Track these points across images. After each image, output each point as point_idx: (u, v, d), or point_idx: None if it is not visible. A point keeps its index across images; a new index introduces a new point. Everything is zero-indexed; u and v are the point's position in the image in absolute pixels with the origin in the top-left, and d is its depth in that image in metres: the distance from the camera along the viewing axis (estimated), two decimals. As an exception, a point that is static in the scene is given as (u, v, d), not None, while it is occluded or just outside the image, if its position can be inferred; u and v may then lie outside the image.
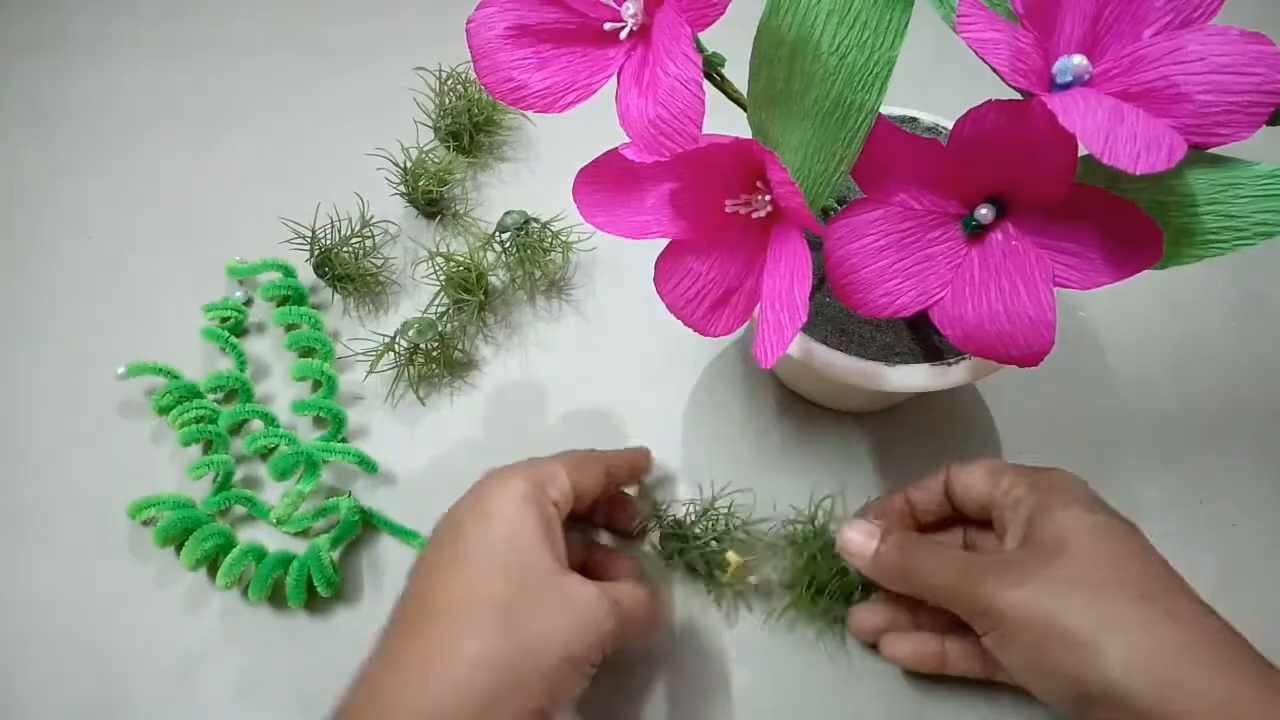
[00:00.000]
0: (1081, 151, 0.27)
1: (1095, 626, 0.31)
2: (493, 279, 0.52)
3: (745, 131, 0.33)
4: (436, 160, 0.54)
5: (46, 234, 0.55)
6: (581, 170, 0.32)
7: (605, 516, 0.44)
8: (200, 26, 0.64)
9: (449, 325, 0.50)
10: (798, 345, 0.39)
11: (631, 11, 0.30)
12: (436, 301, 0.50)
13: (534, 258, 0.51)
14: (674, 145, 0.28)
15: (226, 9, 0.65)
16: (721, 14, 0.28)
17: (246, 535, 0.45)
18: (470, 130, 0.56)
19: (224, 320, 0.50)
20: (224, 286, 0.52)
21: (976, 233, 0.32)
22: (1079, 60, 0.28)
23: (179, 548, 0.43)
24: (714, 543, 0.41)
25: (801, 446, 0.47)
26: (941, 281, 0.33)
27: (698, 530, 0.42)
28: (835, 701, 0.41)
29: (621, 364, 0.50)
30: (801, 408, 0.48)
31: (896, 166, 0.32)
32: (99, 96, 0.61)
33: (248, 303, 0.52)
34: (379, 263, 0.52)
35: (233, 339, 0.49)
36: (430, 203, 0.54)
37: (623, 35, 0.30)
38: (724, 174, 0.31)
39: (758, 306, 0.32)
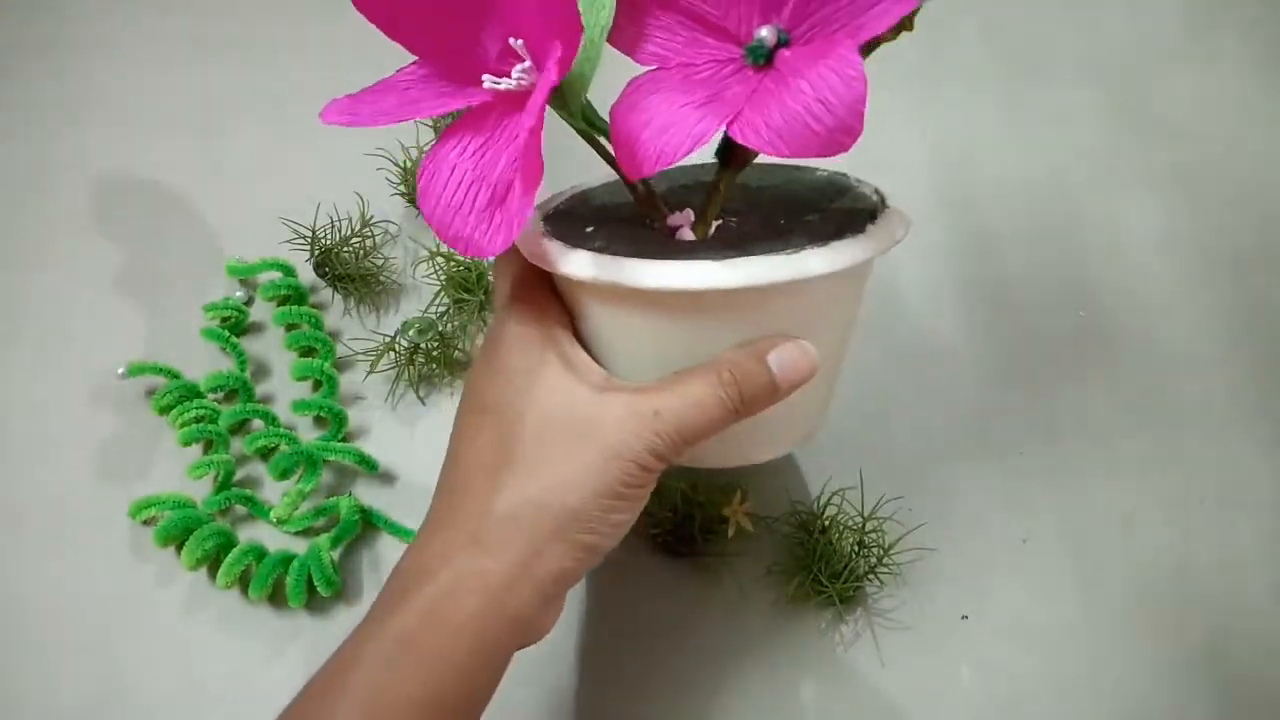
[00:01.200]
0: None
1: None
2: (493, 279, 0.52)
3: None
4: (437, 160, 0.54)
5: (46, 233, 0.55)
6: (335, 102, 0.30)
7: None
8: (201, 26, 0.64)
9: (449, 325, 0.50)
10: (590, 265, 0.30)
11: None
12: (437, 301, 0.50)
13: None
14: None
15: (227, 8, 0.65)
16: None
17: (247, 535, 0.45)
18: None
19: (224, 320, 0.50)
20: (224, 286, 0.52)
21: (765, 59, 0.29)
22: None
23: (179, 547, 0.43)
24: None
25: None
26: (738, 102, 0.29)
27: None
28: (844, 689, 0.41)
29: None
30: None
31: (658, 10, 0.29)
32: (99, 96, 0.61)
33: (248, 302, 0.52)
34: (379, 262, 0.52)
35: (233, 339, 0.49)
36: (430, 202, 0.54)
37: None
38: (470, 40, 0.29)
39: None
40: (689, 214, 0.34)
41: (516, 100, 0.29)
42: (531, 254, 0.32)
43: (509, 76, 0.28)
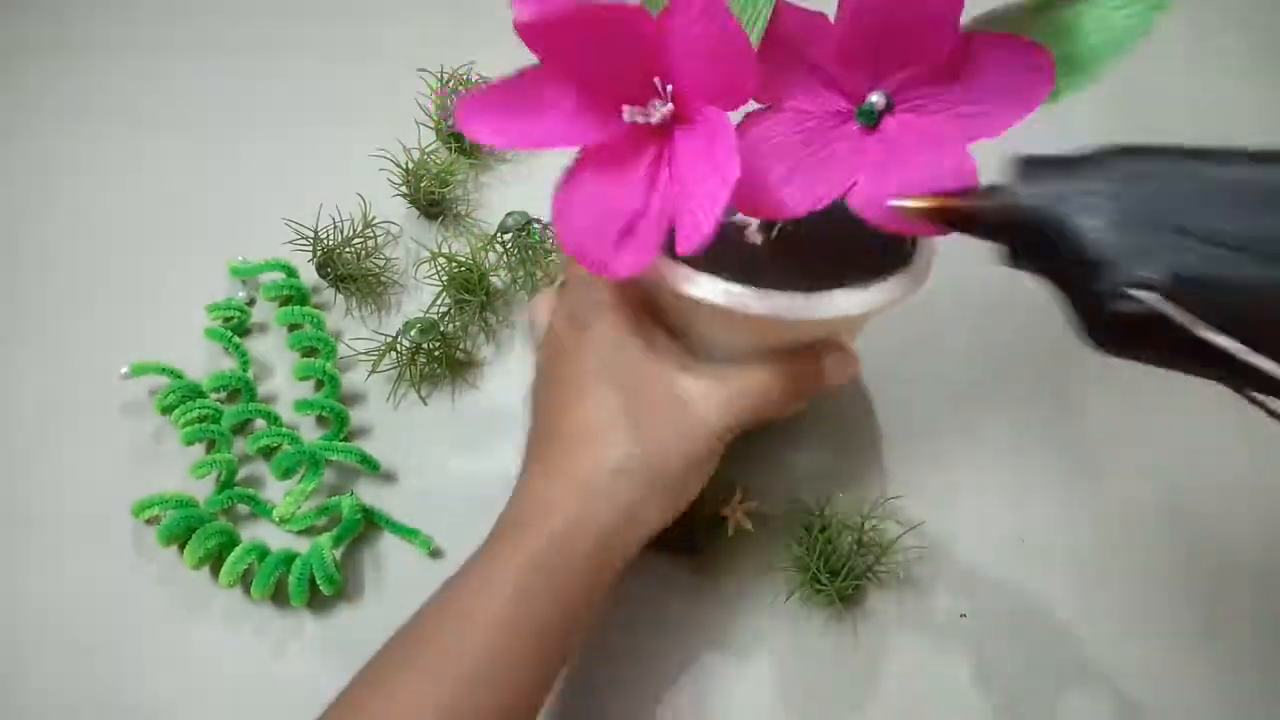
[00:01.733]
0: None
1: None
2: (494, 279, 0.52)
3: None
4: (438, 161, 0.54)
5: (49, 234, 0.55)
6: (471, 95, 0.31)
7: None
8: (203, 27, 0.64)
9: (451, 325, 0.50)
10: (728, 295, 0.34)
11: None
12: (438, 302, 0.51)
13: (536, 258, 0.51)
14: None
15: (229, 9, 0.65)
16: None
17: (249, 534, 0.45)
18: (471, 131, 0.57)
19: (227, 320, 0.51)
20: (227, 287, 0.53)
21: (874, 122, 0.32)
22: None
23: (182, 546, 0.43)
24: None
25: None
26: (851, 170, 0.32)
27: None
28: (843, 687, 0.41)
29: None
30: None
31: (790, 52, 0.31)
32: (102, 97, 0.61)
33: (250, 303, 0.52)
34: (381, 263, 0.53)
35: (235, 339, 0.49)
36: (432, 204, 0.55)
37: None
38: (619, 74, 0.30)
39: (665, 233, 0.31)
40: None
41: (652, 132, 0.31)
42: (656, 271, 0.35)
43: (646, 109, 0.30)
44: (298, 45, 0.63)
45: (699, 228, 0.29)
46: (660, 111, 0.30)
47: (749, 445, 0.47)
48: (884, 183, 0.31)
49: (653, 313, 0.38)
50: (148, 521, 0.45)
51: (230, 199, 0.56)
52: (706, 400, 0.35)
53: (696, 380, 0.35)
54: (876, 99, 0.31)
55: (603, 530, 0.34)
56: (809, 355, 0.37)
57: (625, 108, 0.30)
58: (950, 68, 0.31)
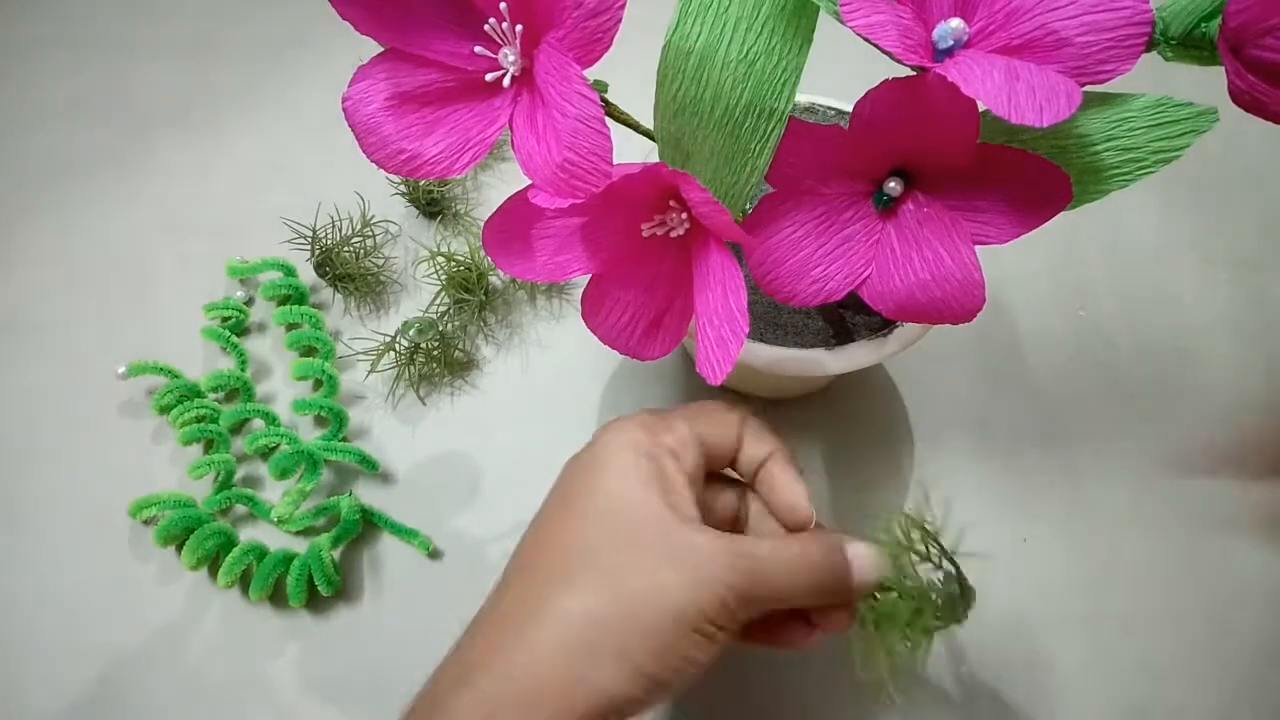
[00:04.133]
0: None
1: None
2: (493, 279, 0.52)
3: (635, 147, 0.33)
4: (437, 160, 0.54)
5: (47, 233, 0.55)
6: (489, 220, 0.32)
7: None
8: (202, 26, 0.64)
9: (450, 325, 0.50)
10: (777, 356, 0.39)
11: (510, 58, 0.29)
12: (437, 301, 0.50)
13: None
14: (587, 186, 0.27)
15: (229, 8, 0.65)
16: (607, 49, 0.27)
17: (247, 534, 0.45)
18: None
19: (225, 320, 0.50)
20: (225, 286, 0.52)
21: (889, 207, 0.32)
22: (956, 23, 0.28)
23: (180, 547, 0.43)
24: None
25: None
26: (865, 260, 0.33)
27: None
28: (838, 687, 0.41)
29: (623, 362, 0.50)
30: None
31: (802, 160, 0.32)
32: (100, 96, 0.61)
33: (249, 302, 0.52)
34: (379, 262, 0.52)
35: (233, 338, 0.49)
36: (431, 202, 0.55)
37: (505, 83, 0.29)
38: (636, 200, 0.31)
39: (692, 321, 0.32)
40: None
41: (671, 241, 0.32)
42: None
43: (666, 223, 0.31)
44: (297, 43, 0.63)
45: (727, 354, 0.29)
46: (679, 225, 0.31)
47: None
48: (892, 278, 0.32)
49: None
50: (145, 522, 0.45)
51: (228, 197, 0.56)
52: (714, 554, 0.29)
53: (705, 535, 0.30)
54: (893, 185, 0.32)
55: (527, 705, 0.28)
56: (837, 547, 0.32)
57: (643, 225, 0.31)
58: (964, 173, 0.31)
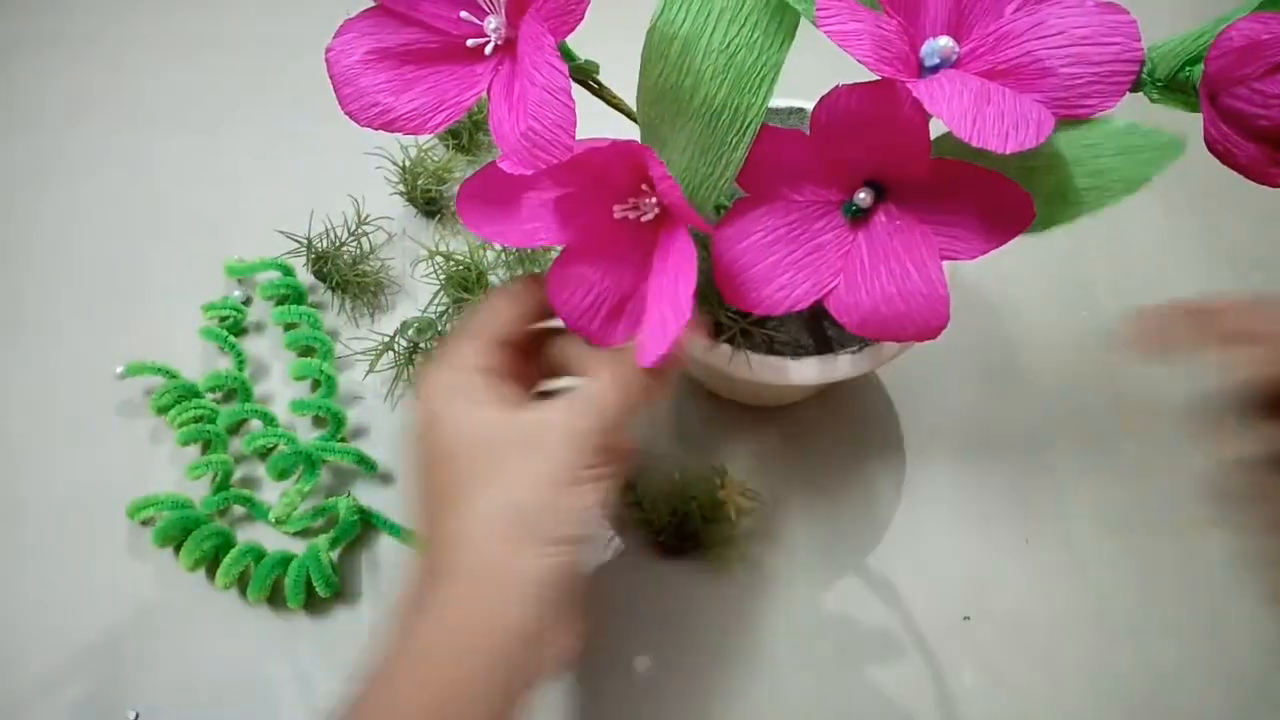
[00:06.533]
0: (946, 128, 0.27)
1: None
2: (492, 278, 0.52)
3: (633, 134, 0.33)
4: (435, 158, 0.54)
5: (45, 233, 0.55)
6: (466, 181, 0.32)
7: None
8: (200, 24, 0.64)
9: (449, 324, 0.50)
10: (701, 345, 0.39)
11: (494, 26, 0.29)
12: (436, 301, 0.50)
13: (533, 256, 0.51)
14: (549, 157, 0.27)
15: (226, 7, 0.65)
16: (580, 19, 0.27)
17: (245, 535, 0.45)
18: (469, 128, 0.56)
19: (223, 319, 0.50)
20: (223, 286, 0.52)
21: (859, 217, 0.32)
22: (945, 42, 0.28)
23: (178, 548, 0.43)
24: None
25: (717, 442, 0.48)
26: (833, 270, 0.33)
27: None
28: (839, 688, 0.41)
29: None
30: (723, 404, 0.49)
31: (772, 162, 0.32)
32: (98, 95, 0.61)
33: (246, 302, 0.52)
34: (376, 265, 0.52)
35: (231, 338, 0.49)
36: (429, 201, 0.54)
37: (488, 50, 0.29)
38: (610, 178, 0.31)
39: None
40: None
41: (641, 227, 0.31)
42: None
43: (638, 207, 0.31)
44: (296, 43, 0.63)
45: (664, 338, 0.29)
46: (650, 210, 0.31)
47: (749, 445, 0.47)
48: (859, 290, 0.32)
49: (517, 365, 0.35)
50: (143, 522, 0.45)
51: (226, 197, 0.56)
52: (554, 418, 0.32)
53: (541, 405, 0.32)
54: (863, 195, 0.32)
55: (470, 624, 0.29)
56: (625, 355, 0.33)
57: (615, 206, 0.31)
58: (932, 186, 0.31)
